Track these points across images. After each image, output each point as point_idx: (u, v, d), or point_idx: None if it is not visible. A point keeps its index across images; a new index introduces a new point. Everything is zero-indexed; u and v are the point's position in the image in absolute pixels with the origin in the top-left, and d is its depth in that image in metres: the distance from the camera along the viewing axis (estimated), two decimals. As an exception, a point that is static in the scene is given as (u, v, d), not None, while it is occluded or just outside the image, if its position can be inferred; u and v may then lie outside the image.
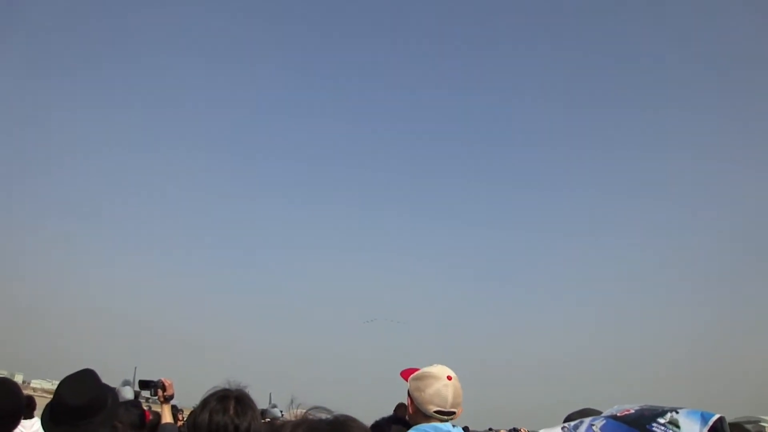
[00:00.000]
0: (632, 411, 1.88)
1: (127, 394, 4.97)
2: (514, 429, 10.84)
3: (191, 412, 2.65)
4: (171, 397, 3.83)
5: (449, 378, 2.67)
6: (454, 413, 2.67)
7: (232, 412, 2.47)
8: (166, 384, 3.82)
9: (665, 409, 1.79)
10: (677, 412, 1.75)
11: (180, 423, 5.88)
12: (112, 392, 3.11)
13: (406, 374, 2.87)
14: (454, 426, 2.64)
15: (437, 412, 2.62)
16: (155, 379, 3.91)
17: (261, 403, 2.57)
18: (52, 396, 3.00)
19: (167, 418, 3.75)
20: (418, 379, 2.74)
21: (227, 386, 2.57)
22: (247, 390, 2.60)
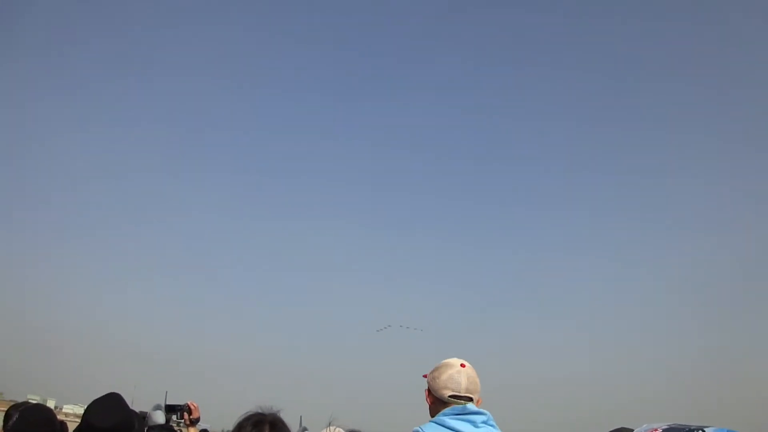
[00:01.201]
0: (660, 430, 1.86)
1: (159, 418, 5.04)
2: None
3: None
4: (197, 420, 3.87)
5: (462, 365, 2.75)
6: (471, 399, 2.67)
7: None
8: (192, 407, 3.87)
9: (692, 427, 1.77)
10: (704, 431, 1.73)
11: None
12: (138, 416, 3.16)
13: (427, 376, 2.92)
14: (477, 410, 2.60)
15: (453, 396, 2.66)
16: (182, 403, 3.96)
17: (292, 427, 2.57)
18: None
19: (195, 441, 3.78)
20: (433, 370, 2.82)
21: (260, 410, 2.58)
22: (280, 414, 2.61)
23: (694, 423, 1.81)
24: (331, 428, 2.29)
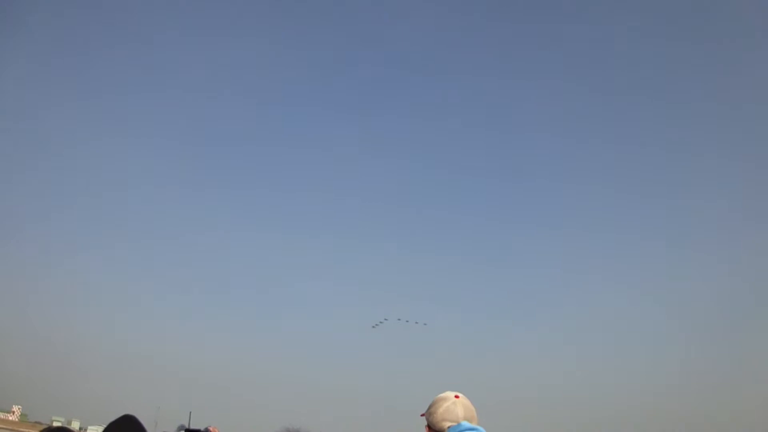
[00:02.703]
0: None
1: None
2: None
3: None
4: None
5: (456, 396, 2.85)
6: None
7: None
8: None
9: None
10: None
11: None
12: None
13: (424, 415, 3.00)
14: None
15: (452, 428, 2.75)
16: (202, 428, 3.92)
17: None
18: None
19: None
20: (430, 406, 2.89)
21: (288, 430, 2.54)
22: None
23: None
24: None
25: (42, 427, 3.29)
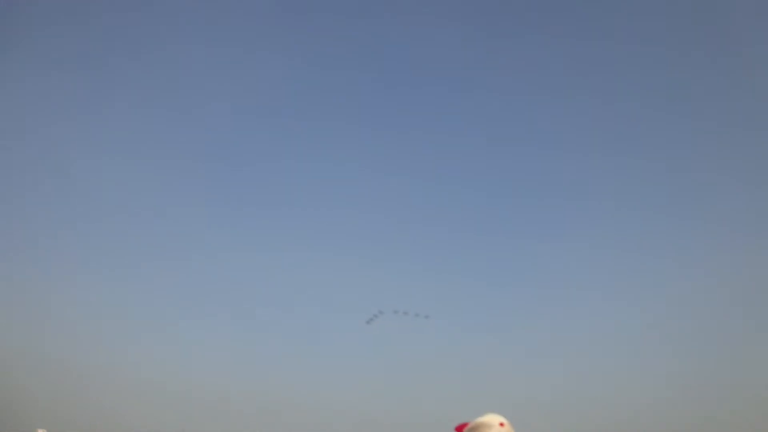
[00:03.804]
0: None
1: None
2: None
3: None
4: None
5: (501, 425, 2.71)
6: None
7: None
8: None
9: None
10: None
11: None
12: None
13: (459, 429, 2.94)
14: None
15: None
16: None
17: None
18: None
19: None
20: (471, 430, 2.79)
21: None
22: None
23: None
24: None
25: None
